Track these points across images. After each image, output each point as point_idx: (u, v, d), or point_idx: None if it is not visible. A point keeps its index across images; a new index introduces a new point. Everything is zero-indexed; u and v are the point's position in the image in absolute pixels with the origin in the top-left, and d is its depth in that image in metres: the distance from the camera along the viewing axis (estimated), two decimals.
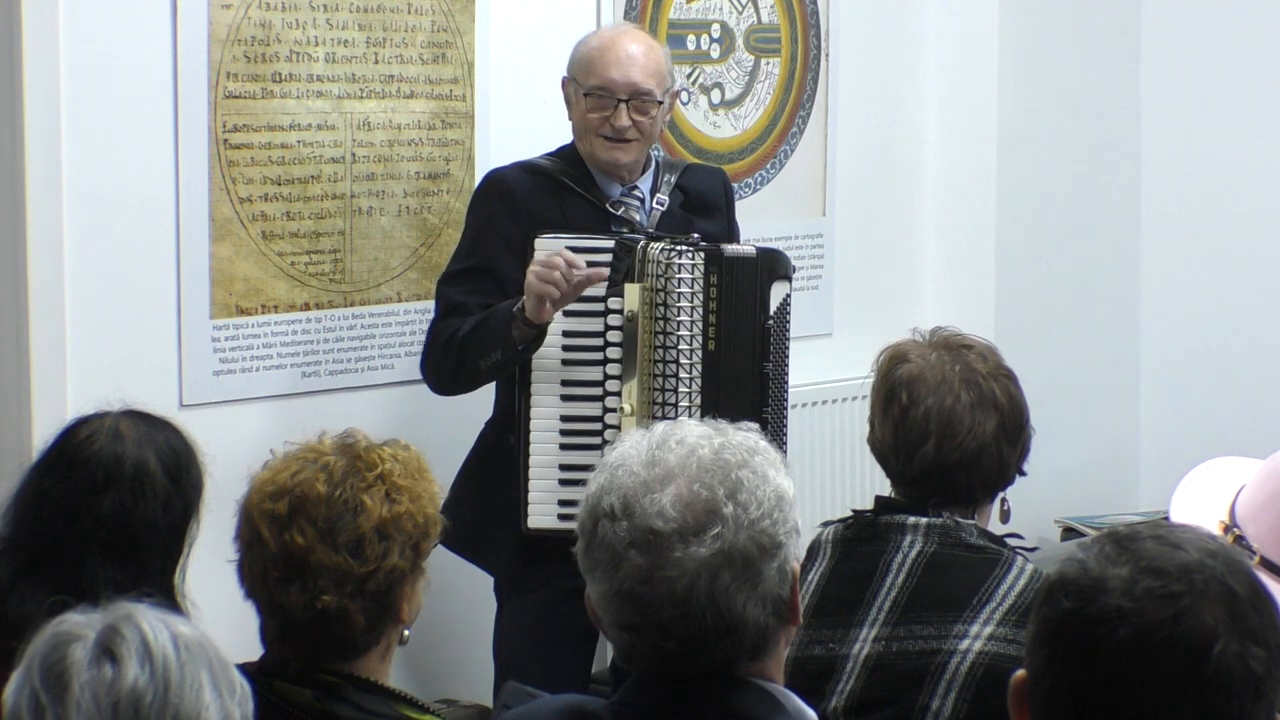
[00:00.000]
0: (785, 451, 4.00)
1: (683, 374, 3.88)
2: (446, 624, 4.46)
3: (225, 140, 4.06)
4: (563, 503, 3.87)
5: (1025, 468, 3.03)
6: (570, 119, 4.04)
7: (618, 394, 3.90)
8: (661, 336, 3.88)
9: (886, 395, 2.99)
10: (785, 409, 4.06)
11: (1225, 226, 5.70)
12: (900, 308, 5.35)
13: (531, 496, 3.92)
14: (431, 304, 4.22)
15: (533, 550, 3.94)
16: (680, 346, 3.88)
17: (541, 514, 3.91)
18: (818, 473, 5.14)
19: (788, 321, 4.01)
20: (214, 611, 2.91)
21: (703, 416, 3.81)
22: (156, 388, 3.88)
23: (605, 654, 4.36)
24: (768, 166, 5.20)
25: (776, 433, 3.99)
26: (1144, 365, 5.78)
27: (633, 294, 3.89)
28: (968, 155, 5.58)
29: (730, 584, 2.05)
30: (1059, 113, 5.63)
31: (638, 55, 3.97)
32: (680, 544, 2.04)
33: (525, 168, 4.03)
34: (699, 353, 3.89)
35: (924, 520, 2.91)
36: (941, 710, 2.79)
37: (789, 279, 4.01)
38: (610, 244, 3.89)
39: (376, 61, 4.30)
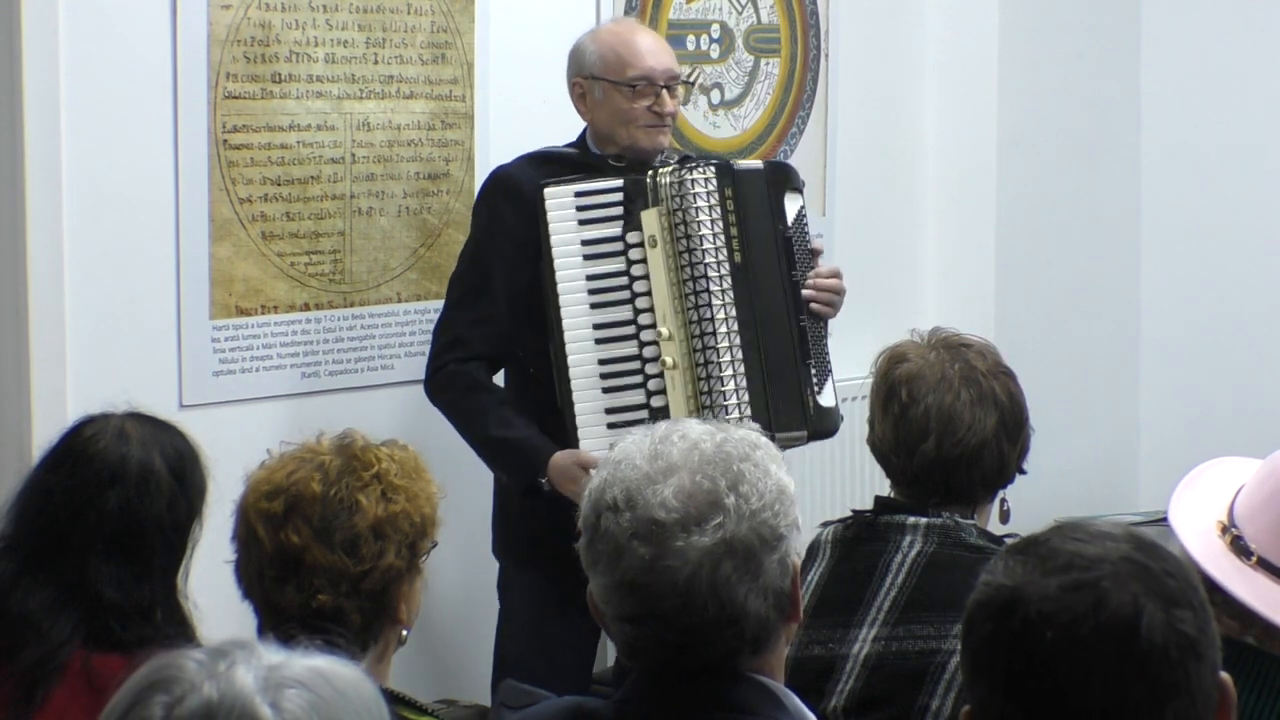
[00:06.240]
0: (830, 369, 3.94)
1: (714, 287, 3.84)
2: (446, 624, 4.46)
3: (225, 140, 4.06)
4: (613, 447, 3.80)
5: (1025, 466, 3.04)
6: (591, 119, 4.00)
7: (651, 326, 3.87)
8: (686, 255, 3.84)
9: (886, 394, 2.99)
10: (821, 321, 3.96)
11: (1225, 226, 5.70)
12: (900, 308, 5.35)
13: (582, 445, 3.82)
14: (431, 304, 4.22)
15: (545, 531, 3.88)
16: (707, 260, 3.84)
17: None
18: (818, 473, 5.13)
19: (807, 234, 3.97)
20: (213, 611, 2.91)
21: (741, 331, 3.83)
22: (156, 388, 3.88)
23: (606, 656, 4.36)
24: None
25: (816, 340, 3.92)
26: (1144, 365, 5.79)
27: (650, 219, 3.86)
28: (968, 155, 5.58)
29: (732, 574, 2.05)
30: (1059, 113, 5.63)
31: (659, 43, 4.04)
32: (682, 534, 2.05)
33: (532, 160, 4.01)
34: (726, 264, 3.85)
35: (924, 520, 2.91)
36: (941, 710, 2.79)
37: (800, 192, 3.98)
38: (619, 183, 3.89)
39: (376, 62, 4.30)
